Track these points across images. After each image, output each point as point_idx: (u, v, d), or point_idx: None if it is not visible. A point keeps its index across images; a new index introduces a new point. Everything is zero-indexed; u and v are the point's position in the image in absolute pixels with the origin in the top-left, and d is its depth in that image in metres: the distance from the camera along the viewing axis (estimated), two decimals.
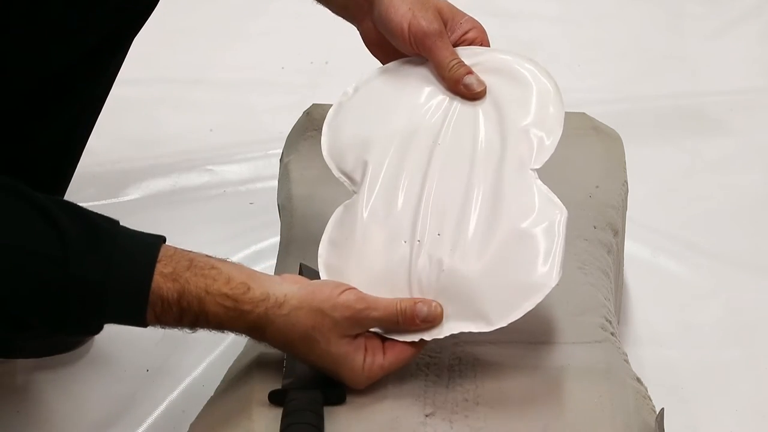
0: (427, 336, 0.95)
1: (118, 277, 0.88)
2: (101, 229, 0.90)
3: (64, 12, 1.09)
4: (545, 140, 1.01)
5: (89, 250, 0.88)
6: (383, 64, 1.11)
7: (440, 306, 0.95)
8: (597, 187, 1.23)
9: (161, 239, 0.92)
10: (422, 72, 1.08)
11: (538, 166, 1.01)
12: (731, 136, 1.78)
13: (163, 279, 0.89)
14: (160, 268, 0.90)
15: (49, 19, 1.08)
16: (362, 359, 0.94)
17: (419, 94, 1.07)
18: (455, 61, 1.05)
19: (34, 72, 1.13)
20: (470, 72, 1.05)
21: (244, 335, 0.95)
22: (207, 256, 0.93)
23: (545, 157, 1.01)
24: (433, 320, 0.95)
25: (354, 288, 0.95)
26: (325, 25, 1.94)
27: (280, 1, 2.10)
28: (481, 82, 1.05)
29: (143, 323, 0.91)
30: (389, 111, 1.06)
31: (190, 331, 0.93)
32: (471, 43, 1.08)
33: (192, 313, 0.91)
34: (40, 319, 0.89)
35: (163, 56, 1.89)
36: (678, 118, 1.82)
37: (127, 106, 1.68)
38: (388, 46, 1.09)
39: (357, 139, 1.06)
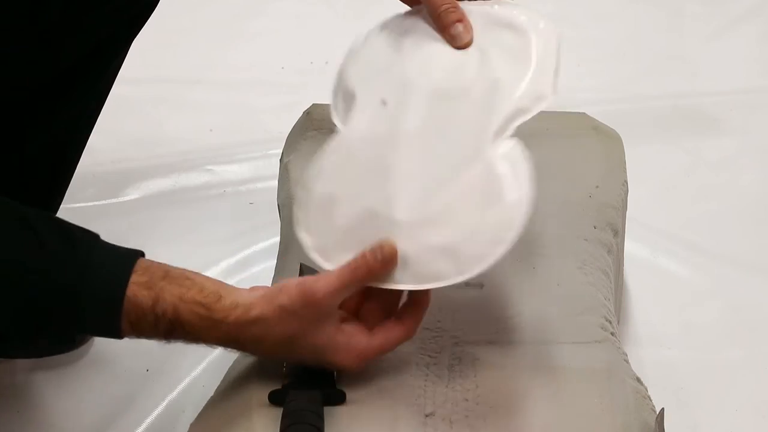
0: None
1: (93, 283, 0.89)
2: (79, 240, 0.91)
3: (64, 12, 1.09)
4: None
5: (66, 258, 0.88)
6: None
7: (389, 242, 0.94)
8: (597, 187, 1.23)
9: (139, 253, 0.93)
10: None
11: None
12: (731, 136, 1.78)
13: (137, 287, 0.90)
14: (135, 277, 0.90)
15: (49, 19, 1.08)
16: (346, 340, 0.93)
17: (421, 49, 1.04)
18: (447, 5, 1.03)
19: (34, 72, 1.13)
20: (461, 19, 1.03)
21: (223, 348, 0.95)
22: (182, 269, 0.93)
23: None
24: (390, 257, 0.93)
25: (311, 277, 0.94)
26: (325, 25, 1.95)
27: (280, 1, 2.09)
28: (468, 32, 1.02)
29: (118, 332, 0.91)
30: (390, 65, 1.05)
31: (166, 342, 0.93)
32: None
33: (167, 321, 0.91)
34: (14, 328, 0.90)
35: (163, 56, 1.89)
36: (678, 118, 1.82)
37: (127, 106, 1.68)
38: None
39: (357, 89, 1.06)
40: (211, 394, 1.05)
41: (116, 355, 1.36)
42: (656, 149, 1.73)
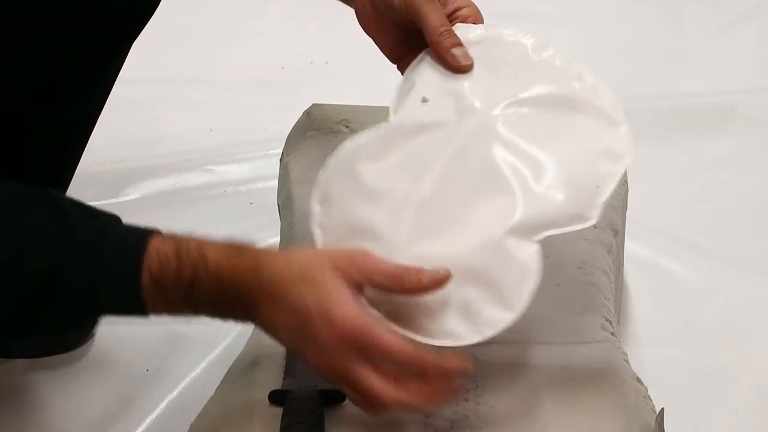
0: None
1: (114, 240, 0.87)
2: (101, 214, 0.90)
3: (65, 14, 1.09)
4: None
5: (87, 223, 0.88)
6: (377, 42, 1.08)
7: (448, 270, 0.89)
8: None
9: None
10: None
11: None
12: (731, 136, 1.78)
13: (160, 238, 0.88)
14: (157, 235, 0.89)
15: (49, 20, 1.08)
16: (353, 307, 0.86)
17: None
18: (445, 28, 1.01)
19: (34, 74, 1.13)
20: (459, 43, 1.01)
21: (240, 293, 0.88)
22: None
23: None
24: (440, 281, 0.89)
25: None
26: (325, 25, 1.95)
27: (280, 1, 2.09)
28: (467, 56, 1.01)
29: (138, 284, 0.87)
30: None
31: (186, 304, 0.89)
32: (464, 20, 1.05)
33: (191, 262, 0.87)
34: (34, 294, 0.87)
35: (163, 56, 1.89)
36: (678, 118, 1.82)
37: (127, 106, 1.67)
38: (382, 21, 1.06)
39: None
40: (211, 394, 1.05)
41: (116, 355, 1.36)
42: (656, 149, 1.73)
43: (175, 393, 1.33)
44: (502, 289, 0.92)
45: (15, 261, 0.86)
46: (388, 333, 0.88)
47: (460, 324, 0.92)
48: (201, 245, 0.89)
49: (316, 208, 0.98)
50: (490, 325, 0.91)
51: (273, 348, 1.04)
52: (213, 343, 1.38)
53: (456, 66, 1.01)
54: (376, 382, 0.87)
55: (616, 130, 0.99)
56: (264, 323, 0.90)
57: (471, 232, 0.94)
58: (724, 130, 1.79)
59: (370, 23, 1.08)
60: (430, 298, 0.91)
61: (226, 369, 1.09)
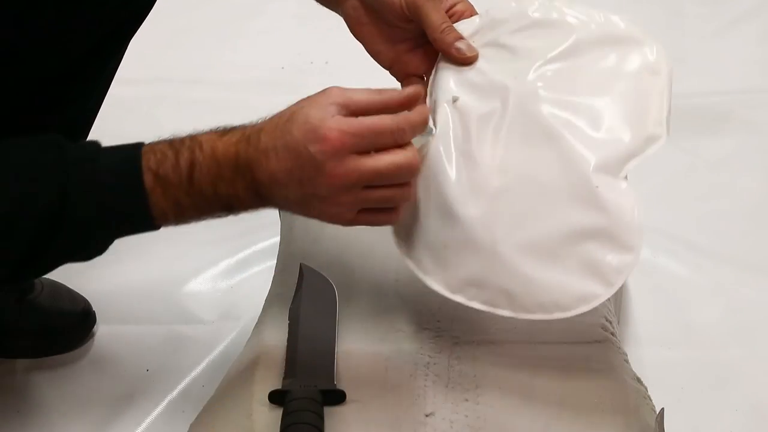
0: None
1: (106, 150, 0.94)
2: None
3: (60, 12, 1.09)
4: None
5: (75, 144, 0.94)
6: (367, 47, 1.09)
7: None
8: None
9: None
10: None
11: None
12: (731, 136, 1.78)
13: (152, 142, 0.95)
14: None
15: (45, 19, 1.08)
16: (335, 118, 0.92)
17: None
18: (446, 25, 1.04)
19: (30, 74, 1.13)
20: (461, 37, 1.03)
21: (239, 162, 0.94)
22: None
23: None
24: (416, 96, 0.94)
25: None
26: (325, 25, 1.94)
27: (280, 1, 2.09)
28: (471, 48, 1.03)
29: (140, 181, 0.92)
30: None
31: (189, 188, 0.93)
32: (461, 15, 1.06)
33: (186, 149, 0.93)
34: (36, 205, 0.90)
35: (163, 56, 1.89)
36: (678, 118, 1.81)
37: (127, 106, 1.67)
38: (375, 24, 1.08)
39: None
40: (211, 394, 1.05)
41: (116, 355, 1.36)
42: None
43: (175, 393, 1.33)
44: (614, 234, 0.94)
45: (22, 196, 0.89)
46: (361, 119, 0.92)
47: (589, 282, 0.94)
48: (191, 135, 0.95)
49: (394, 238, 1.00)
50: (617, 272, 0.94)
51: (273, 348, 1.04)
52: (213, 343, 1.38)
53: (461, 58, 1.03)
54: (383, 157, 0.91)
55: (643, 46, 1.08)
56: (267, 185, 0.94)
57: (559, 198, 0.96)
58: (724, 130, 1.79)
59: (362, 27, 1.09)
60: (549, 275, 0.94)
61: (226, 369, 1.09)
